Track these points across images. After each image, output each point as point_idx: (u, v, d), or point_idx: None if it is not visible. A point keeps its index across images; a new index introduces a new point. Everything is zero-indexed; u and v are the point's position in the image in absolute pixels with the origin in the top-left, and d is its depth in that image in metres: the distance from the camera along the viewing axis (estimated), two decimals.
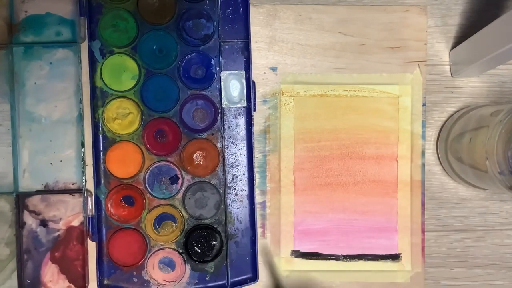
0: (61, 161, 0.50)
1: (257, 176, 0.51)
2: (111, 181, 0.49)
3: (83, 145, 0.49)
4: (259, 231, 0.51)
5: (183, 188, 0.50)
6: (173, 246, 0.50)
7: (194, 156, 0.49)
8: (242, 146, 0.50)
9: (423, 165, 0.51)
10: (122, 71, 0.49)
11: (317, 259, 0.51)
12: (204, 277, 0.50)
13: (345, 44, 0.51)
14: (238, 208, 0.50)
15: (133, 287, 0.49)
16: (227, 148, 0.50)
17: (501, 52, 0.42)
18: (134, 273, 0.50)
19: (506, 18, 0.41)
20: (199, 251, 0.49)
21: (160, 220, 0.50)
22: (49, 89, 0.50)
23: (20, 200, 0.49)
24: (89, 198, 0.49)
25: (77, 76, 0.49)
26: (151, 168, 0.50)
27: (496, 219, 0.52)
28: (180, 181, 0.50)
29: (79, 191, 0.49)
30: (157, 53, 0.49)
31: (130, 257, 0.49)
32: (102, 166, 0.49)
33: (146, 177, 0.50)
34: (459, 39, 0.51)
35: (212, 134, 0.50)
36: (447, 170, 0.51)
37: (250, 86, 0.49)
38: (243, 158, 0.50)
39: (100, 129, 0.49)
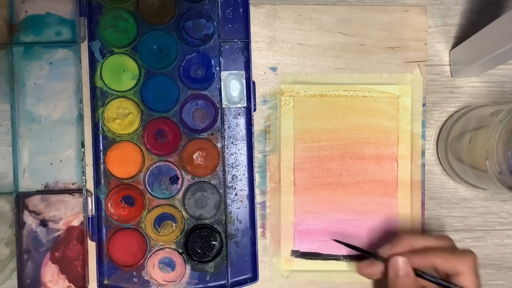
0: (61, 161, 0.50)
1: (257, 176, 0.51)
2: (111, 181, 0.49)
3: (83, 145, 0.49)
4: (259, 231, 0.51)
5: (183, 188, 0.50)
6: (173, 246, 0.50)
7: (194, 156, 0.49)
8: (242, 146, 0.50)
9: (423, 165, 0.51)
10: (122, 71, 0.49)
11: (317, 259, 0.51)
12: (204, 277, 0.50)
13: (345, 44, 0.51)
14: (238, 208, 0.50)
15: (133, 287, 0.49)
16: (227, 148, 0.50)
17: (501, 52, 0.42)
18: (134, 273, 0.50)
19: (506, 18, 0.41)
20: (199, 251, 0.49)
21: (160, 220, 0.50)
22: (49, 89, 0.50)
23: (20, 200, 0.49)
24: (89, 198, 0.49)
25: (77, 76, 0.49)
26: (151, 168, 0.50)
27: (496, 219, 0.52)
28: (180, 181, 0.50)
29: (79, 191, 0.49)
30: (157, 53, 0.49)
31: (130, 257, 0.49)
32: (102, 166, 0.49)
33: (146, 177, 0.50)
34: (459, 39, 0.51)
35: (212, 134, 0.50)
36: (447, 170, 0.51)
37: (250, 86, 0.49)
38: (243, 158, 0.50)
39: (100, 129, 0.49)
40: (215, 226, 0.50)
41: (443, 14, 0.52)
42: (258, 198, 0.51)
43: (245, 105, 0.50)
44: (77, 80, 0.49)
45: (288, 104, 0.51)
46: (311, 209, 0.51)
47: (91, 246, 0.49)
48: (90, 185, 0.49)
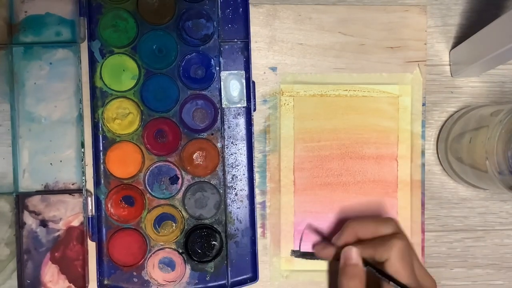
0: (61, 161, 0.50)
1: (257, 176, 0.51)
2: (111, 181, 0.49)
3: (83, 145, 0.49)
4: (259, 231, 0.51)
5: (183, 188, 0.50)
6: (173, 246, 0.50)
7: (194, 156, 0.49)
8: (242, 146, 0.50)
9: (423, 165, 0.51)
10: (122, 71, 0.49)
11: (317, 259, 0.51)
12: (204, 277, 0.50)
13: (345, 44, 0.51)
14: (238, 208, 0.50)
15: (133, 287, 0.49)
16: (227, 148, 0.50)
17: (501, 52, 0.42)
18: (134, 273, 0.50)
19: (506, 18, 0.41)
20: (199, 251, 0.50)
21: (160, 220, 0.50)
22: (49, 89, 0.50)
23: (20, 200, 0.49)
24: (89, 198, 0.49)
25: (77, 76, 0.49)
26: (151, 168, 0.50)
27: (496, 219, 0.52)
28: (180, 181, 0.50)
29: (79, 191, 0.49)
30: (157, 53, 0.49)
31: (130, 257, 0.49)
32: (102, 166, 0.49)
33: (146, 177, 0.50)
34: (459, 39, 0.51)
35: (212, 134, 0.50)
36: (447, 170, 0.51)
37: (250, 86, 0.49)
38: (243, 158, 0.50)
39: (100, 129, 0.49)
40: (215, 226, 0.50)
41: (443, 14, 0.52)
42: (258, 198, 0.51)
43: (245, 105, 0.50)
44: (77, 80, 0.49)
45: (288, 104, 0.51)
46: (311, 209, 0.51)
47: (91, 246, 0.49)
48: (90, 185, 0.49)
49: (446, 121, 0.52)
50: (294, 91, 0.51)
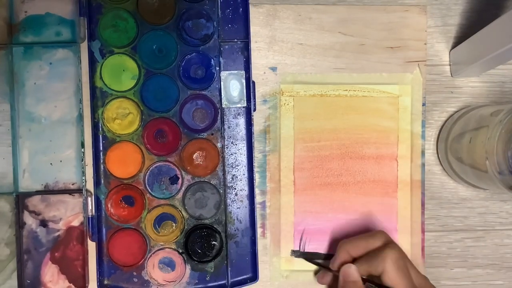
0: (61, 161, 0.50)
1: (257, 176, 0.51)
2: (111, 181, 0.49)
3: (83, 145, 0.49)
4: (259, 231, 0.51)
5: (183, 188, 0.50)
6: (173, 246, 0.50)
7: (194, 156, 0.49)
8: (242, 146, 0.50)
9: (423, 165, 0.51)
10: (122, 71, 0.49)
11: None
12: (204, 277, 0.50)
13: (345, 44, 0.51)
14: (238, 208, 0.50)
15: (133, 287, 0.49)
16: (227, 148, 0.50)
17: (501, 52, 0.42)
18: (134, 273, 0.50)
19: (506, 18, 0.41)
20: (199, 251, 0.49)
21: (160, 220, 0.50)
22: (49, 89, 0.50)
23: (20, 200, 0.49)
24: (89, 198, 0.49)
25: (77, 76, 0.49)
26: (151, 168, 0.50)
27: (496, 219, 0.52)
28: (180, 181, 0.50)
29: (79, 191, 0.49)
30: (157, 53, 0.49)
31: (130, 257, 0.49)
32: (102, 166, 0.49)
33: (146, 177, 0.50)
34: (459, 39, 0.51)
35: (212, 134, 0.50)
36: (447, 170, 0.51)
37: (250, 86, 0.49)
38: (243, 158, 0.50)
39: (100, 129, 0.49)
40: (215, 226, 0.50)
41: (443, 14, 0.52)
42: (258, 198, 0.51)
43: (245, 105, 0.50)
44: (77, 80, 0.49)
45: (288, 104, 0.51)
46: (311, 209, 0.51)
47: (91, 246, 0.49)
48: (90, 185, 0.49)
49: (446, 121, 0.52)
50: (294, 91, 0.51)
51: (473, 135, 0.46)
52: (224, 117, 0.50)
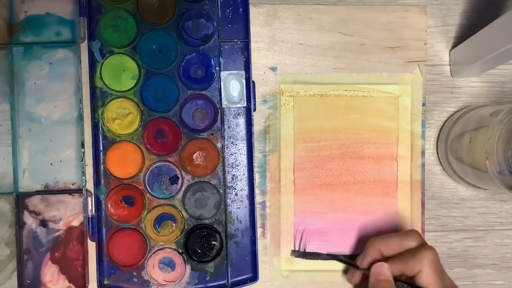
0: (61, 161, 0.50)
1: (257, 176, 0.51)
2: (111, 181, 0.49)
3: (83, 145, 0.49)
4: (259, 231, 0.51)
5: (183, 188, 0.50)
6: (173, 246, 0.50)
7: (194, 156, 0.49)
8: (242, 146, 0.50)
9: (423, 165, 0.51)
10: (122, 71, 0.49)
11: (317, 259, 0.51)
12: (204, 277, 0.50)
13: (345, 44, 0.51)
14: (238, 208, 0.50)
15: (133, 287, 0.49)
16: (227, 148, 0.50)
17: (501, 52, 0.42)
18: (134, 273, 0.50)
19: (506, 18, 0.41)
20: (199, 251, 0.49)
21: (160, 220, 0.50)
22: (49, 89, 0.50)
23: (20, 200, 0.49)
24: (89, 198, 0.49)
25: (77, 76, 0.49)
26: (151, 168, 0.50)
27: (496, 219, 0.52)
28: (180, 181, 0.50)
29: (79, 191, 0.49)
30: (157, 53, 0.49)
31: (130, 257, 0.49)
32: (102, 166, 0.49)
33: (146, 177, 0.50)
34: (459, 39, 0.51)
35: (212, 134, 0.50)
36: (447, 170, 0.51)
37: (250, 86, 0.49)
38: (243, 158, 0.50)
39: (100, 129, 0.49)
40: (215, 226, 0.50)
41: (443, 14, 0.52)
42: (258, 198, 0.51)
43: (245, 105, 0.50)
44: (77, 80, 0.49)
45: (288, 104, 0.51)
46: (311, 209, 0.51)
47: (91, 246, 0.49)
48: (90, 185, 0.49)
49: (446, 121, 0.52)
50: (294, 91, 0.51)
51: (473, 135, 0.46)
52: (224, 117, 0.50)
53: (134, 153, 0.49)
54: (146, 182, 0.50)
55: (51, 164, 0.50)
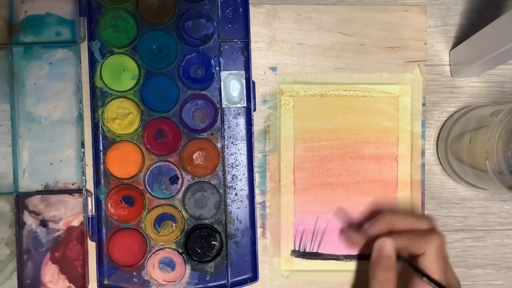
0: (61, 161, 0.50)
1: (257, 176, 0.51)
2: (111, 181, 0.49)
3: (83, 145, 0.49)
4: (259, 231, 0.51)
5: (183, 188, 0.50)
6: (173, 246, 0.50)
7: (194, 156, 0.49)
8: (242, 146, 0.50)
9: (423, 165, 0.51)
10: (122, 71, 0.49)
11: (317, 259, 0.51)
12: (204, 277, 0.50)
13: (345, 44, 0.51)
14: (238, 208, 0.50)
15: (133, 287, 0.49)
16: (227, 148, 0.50)
17: (501, 52, 0.42)
18: (134, 273, 0.50)
19: (506, 18, 0.41)
20: (199, 251, 0.50)
21: (160, 220, 0.50)
22: (49, 89, 0.50)
23: (20, 200, 0.49)
24: (89, 198, 0.49)
25: (77, 76, 0.49)
26: (151, 168, 0.50)
27: (496, 219, 0.52)
28: (180, 181, 0.50)
29: (79, 191, 0.49)
30: (157, 53, 0.49)
31: (130, 257, 0.49)
32: (102, 166, 0.49)
33: (146, 177, 0.50)
34: (459, 39, 0.51)
35: (212, 134, 0.50)
36: (447, 170, 0.51)
37: (250, 86, 0.49)
38: (243, 158, 0.50)
39: (100, 129, 0.49)
40: (215, 226, 0.50)
41: (443, 14, 0.52)
42: (258, 198, 0.51)
43: (245, 105, 0.50)
44: (77, 80, 0.49)
45: (288, 104, 0.51)
46: (311, 209, 0.51)
47: (91, 246, 0.49)
48: (90, 185, 0.49)
49: (446, 121, 0.52)
50: (294, 91, 0.51)
51: (473, 135, 0.46)
52: (224, 117, 0.50)
53: (134, 153, 0.49)
54: (146, 182, 0.50)
55: (51, 164, 0.50)
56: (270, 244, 0.51)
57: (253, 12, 0.50)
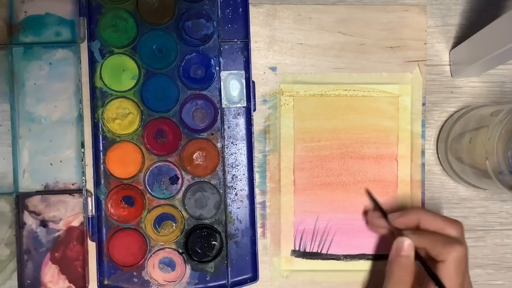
0: (61, 161, 0.50)
1: (257, 176, 0.51)
2: (111, 181, 0.49)
3: (83, 145, 0.49)
4: (259, 231, 0.51)
5: (183, 188, 0.50)
6: (173, 246, 0.50)
7: (194, 156, 0.49)
8: (242, 146, 0.50)
9: (423, 164, 0.51)
10: (122, 71, 0.49)
11: (317, 259, 0.51)
12: (204, 277, 0.50)
13: (345, 44, 0.51)
14: (238, 208, 0.50)
15: (133, 287, 0.50)
16: (227, 148, 0.50)
17: (501, 52, 0.42)
18: (134, 273, 0.50)
19: (506, 18, 0.41)
20: (199, 251, 0.50)
21: (160, 220, 0.50)
22: (49, 89, 0.50)
23: (20, 200, 0.49)
24: (89, 198, 0.49)
25: (77, 76, 0.49)
26: (151, 168, 0.50)
27: (496, 219, 0.52)
28: (180, 181, 0.50)
29: (79, 191, 0.49)
30: (156, 53, 0.49)
31: (130, 257, 0.49)
32: (102, 166, 0.49)
33: (146, 177, 0.50)
34: (459, 39, 0.51)
35: (212, 134, 0.50)
36: (447, 170, 0.51)
37: (249, 86, 0.49)
38: (243, 158, 0.50)
39: (100, 129, 0.49)
40: (215, 226, 0.50)
41: (443, 14, 0.52)
42: (258, 198, 0.51)
43: (245, 105, 0.50)
44: (76, 80, 0.49)
45: (288, 104, 0.51)
46: (311, 209, 0.51)
47: (91, 246, 0.49)
48: (90, 185, 0.49)
49: (446, 121, 0.52)
50: (294, 91, 0.51)
51: (473, 135, 0.46)
52: (224, 117, 0.50)
53: (134, 153, 0.49)
54: (146, 182, 0.50)
55: (51, 164, 0.50)
56: (270, 244, 0.51)
57: (253, 12, 0.50)
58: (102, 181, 0.49)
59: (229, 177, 0.50)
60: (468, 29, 0.51)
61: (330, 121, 0.51)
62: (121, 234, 0.49)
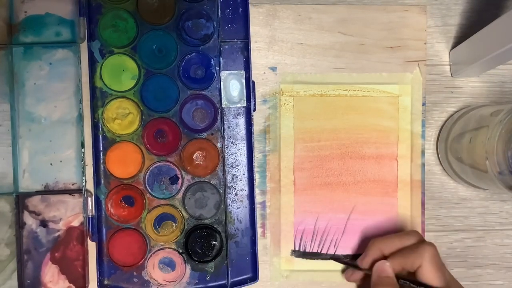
0: (61, 161, 0.50)
1: (257, 176, 0.51)
2: (111, 181, 0.49)
3: (83, 145, 0.49)
4: (259, 231, 0.51)
5: (183, 188, 0.50)
6: (173, 246, 0.50)
7: (194, 156, 0.49)
8: (242, 146, 0.50)
9: (423, 164, 0.51)
10: (121, 71, 0.49)
11: (317, 259, 0.51)
12: (204, 277, 0.50)
13: (345, 44, 0.51)
14: (238, 208, 0.50)
15: (133, 287, 0.49)
16: (227, 148, 0.50)
17: (501, 52, 0.42)
18: (134, 273, 0.50)
19: (506, 18, 0.41)
20: (199, 251, 0.50)
21: (160, 220, 0.50)
22: (48, 89, 0.50)
23: (20, 200, 0.49)
24: (89, 198, 0.49)
25: (77, 76, 0.49)
26: (151, 168, 0.50)
27: (496, 219, 0.52)
28: (180, 181, 0.50)
29: (79, 191, 0.49)
30: (156, 53, 0.49)
31: (130, 257, 0.49)
32: (102, 166, 0.49)
33: (146, 177, 0.50)
34: (459, 39, 0.51)
35: (212, 134, 0.50)
36: (447, 170, 0.51)
37: (250, 86, 0.49)
38: (243, 158, 0.50)
39: (100, 129, 0.49)
40: (215, 226, 0.50)
41: (443, 14, 0.52)
42: (258, 198, 0.51)
43: (245, 105, 0.50)
44: (76, 80, 0.49)
45: (288, 104, 0.51)
46: (311, 209, 0.51)
47: (91, 246, 0.49)
48: (90, 185, 0.49)
49: (446, 121, 0.52)
50: (294, 91, 0.51)
51: (473, 135, 0.46)
52: (224, 117, 0.50)
53: (134, 153, 0.49)
54: (146, 182, 0.50)
55: (51, 164, 0.50)
56: (270, 244, 0.51)
57: (253, 12, 0.50)
58: (102, 181, 0.49)
59: (229, 177, 0.50)
60: (468, 29, 0.51)
61: (330, 121, 0.51)
62: (121, 234, 0.49)
